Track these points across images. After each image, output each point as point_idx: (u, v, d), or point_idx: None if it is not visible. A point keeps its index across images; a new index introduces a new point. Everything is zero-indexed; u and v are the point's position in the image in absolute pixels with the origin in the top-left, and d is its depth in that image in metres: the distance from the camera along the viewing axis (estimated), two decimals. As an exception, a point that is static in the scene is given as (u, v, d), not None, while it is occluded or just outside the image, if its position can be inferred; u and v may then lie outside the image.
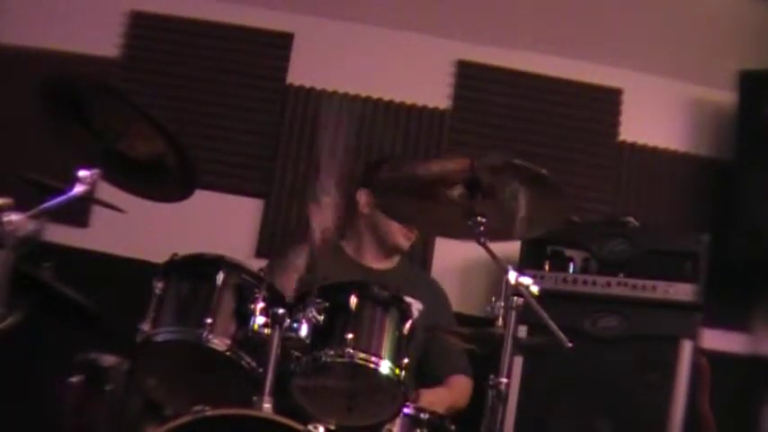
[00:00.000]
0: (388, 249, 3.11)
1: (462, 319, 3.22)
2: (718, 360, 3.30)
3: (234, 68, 3.90)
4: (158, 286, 2.17)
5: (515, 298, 2.09)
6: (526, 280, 2.11)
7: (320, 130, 3.78)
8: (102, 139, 2.14)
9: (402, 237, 3.08)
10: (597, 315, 3.16)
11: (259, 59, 3.91)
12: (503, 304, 2.11)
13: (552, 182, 2.18)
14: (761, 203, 3.39)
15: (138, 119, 2.12)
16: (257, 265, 2.36)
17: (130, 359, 2.29)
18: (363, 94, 3.87)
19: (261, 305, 2.12)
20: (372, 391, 2.16)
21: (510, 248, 3.13)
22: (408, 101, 3.88)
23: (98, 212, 3.60)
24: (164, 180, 2.27)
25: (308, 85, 3.89)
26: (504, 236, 2.40)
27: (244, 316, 2.12)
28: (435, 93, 3.89)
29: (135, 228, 3.25)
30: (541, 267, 3.27)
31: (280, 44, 3.92)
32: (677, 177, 3.83)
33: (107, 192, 2.33)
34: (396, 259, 3.16)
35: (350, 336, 2.05)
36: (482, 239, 2.20)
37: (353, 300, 2.09)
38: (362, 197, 3.11)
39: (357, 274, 2.99)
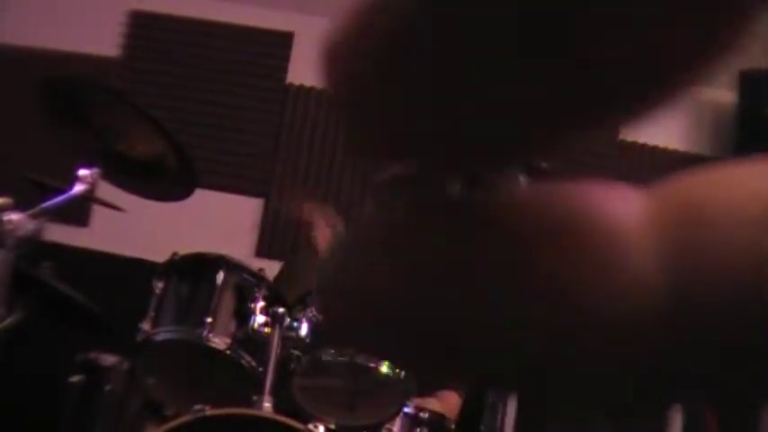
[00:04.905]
0: None
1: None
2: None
3: (234, 68, 3.90)
4: (158, 286, 2.17)
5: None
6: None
7: None
8: (102, 139, 2.14)
9: None
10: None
11: (259, 59, 3.91)
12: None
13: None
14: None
15: (138, 119, 2.12)
16: (257, 264, 2.35)
17: (130, 359, 2.30)
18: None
19: (261, 304, 2.12)
20: (373, 391, 2.16)
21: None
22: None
23: (98, 212, 3.60)
24: (164, 180, 2.27)
25: (308, 84, 3.89)
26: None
27: (244, 315, 2.12)
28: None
29: (135, 227, 3.25)
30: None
31: (280, 44, 3.92)
32: (677, 177, 3.84)
33: (107, 191, 2.33)
34: None
35: (350, 335, 2.05)
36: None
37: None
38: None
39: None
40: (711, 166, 0.23)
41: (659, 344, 0.21)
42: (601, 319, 0.21)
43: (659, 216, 0.22)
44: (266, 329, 2.09)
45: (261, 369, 2.09)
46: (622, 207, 0.22)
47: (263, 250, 3.72)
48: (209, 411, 1.94)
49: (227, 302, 2.14)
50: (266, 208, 3.82)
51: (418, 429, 2.29)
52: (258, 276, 2.20)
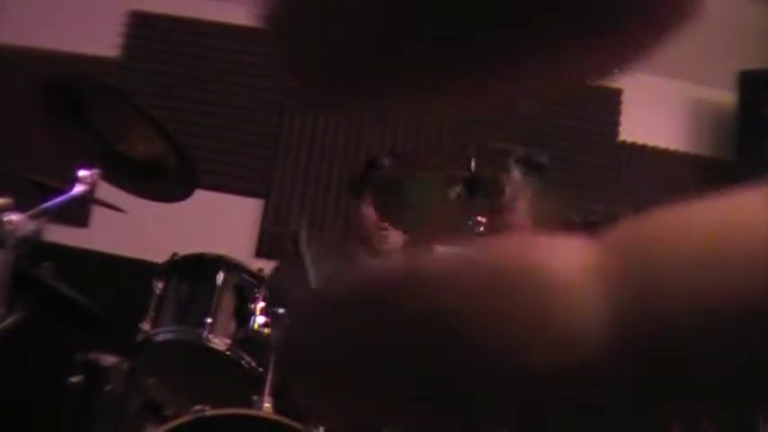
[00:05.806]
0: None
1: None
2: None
3: (234, 68, 3.90)
4: (158, 286, 2.17)
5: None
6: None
7: None
8: (102, 139, 2.14)
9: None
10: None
11: (259, 59, 3.91)
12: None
13: (550, 171, 2.18)
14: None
15: (138, 119, 2.12)
16: (257, 265, 2.36)
17: (130, 359, 2.30)
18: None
19: (261, 305, 2.12)
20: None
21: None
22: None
23: (98, 212, 3.60)
24: (164, 180, 2.27)
25: (307, 85, 3.89)
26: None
27: (244, 316, 2.12)
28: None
29: (135, 228, 3.25)
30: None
31: (280, 44, 3.92)
32: (677, 177, 3.83)
33: (107, 192, 2.33)
34: None
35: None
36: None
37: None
38: (366, 201, 3.07)
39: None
40: (658, 209, 0.23)
41: (614, 384, 0.21)
42: (546, 373, 0.21)
43: (606, 264, 0.22)
44: (266, 330, 2.09)
45: (261, 369, 2.09)
46: (565, 259, 0.22)
47: (263, 250, 3.72)
48: (209, 411, 1.94)
49: (227, 303, 2.14)
50: (266, 208, 3.82)
51: (418, 429, 2.29)
52: (258, 277, 2.20)
